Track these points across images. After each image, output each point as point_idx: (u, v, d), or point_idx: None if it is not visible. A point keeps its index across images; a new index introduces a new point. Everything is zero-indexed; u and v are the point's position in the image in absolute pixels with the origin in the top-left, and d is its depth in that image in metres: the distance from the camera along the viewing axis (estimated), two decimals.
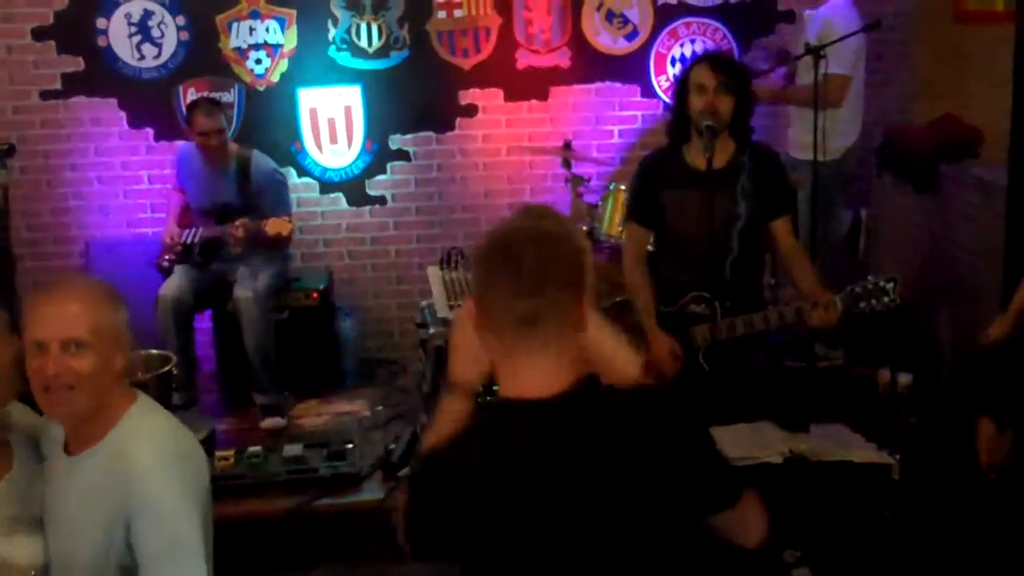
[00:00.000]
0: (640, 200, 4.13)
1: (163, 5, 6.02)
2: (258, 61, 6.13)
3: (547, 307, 1.86)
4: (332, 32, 6.14)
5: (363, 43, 6.18)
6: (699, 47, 6.25)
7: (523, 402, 1.88)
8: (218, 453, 4.52)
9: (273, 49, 6.13)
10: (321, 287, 5.77)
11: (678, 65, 6.26)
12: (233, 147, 5.46)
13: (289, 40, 6.13)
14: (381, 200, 6.35)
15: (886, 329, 4.85)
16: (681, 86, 3.91)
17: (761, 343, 4.00)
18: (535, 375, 1.88)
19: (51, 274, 6.11)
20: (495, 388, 1.95)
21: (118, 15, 6.00)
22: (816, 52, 5.04)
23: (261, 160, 5.45)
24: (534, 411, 1.87)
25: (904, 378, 4.78)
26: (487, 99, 6.30)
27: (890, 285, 3.55)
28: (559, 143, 5.95)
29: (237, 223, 5.18)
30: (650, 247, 4.19)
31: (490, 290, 1.88)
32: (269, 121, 6.15)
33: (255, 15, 6.09)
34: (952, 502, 3.68)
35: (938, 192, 5.55)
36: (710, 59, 3.91)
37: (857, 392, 4.99)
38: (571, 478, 1.82)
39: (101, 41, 6.01)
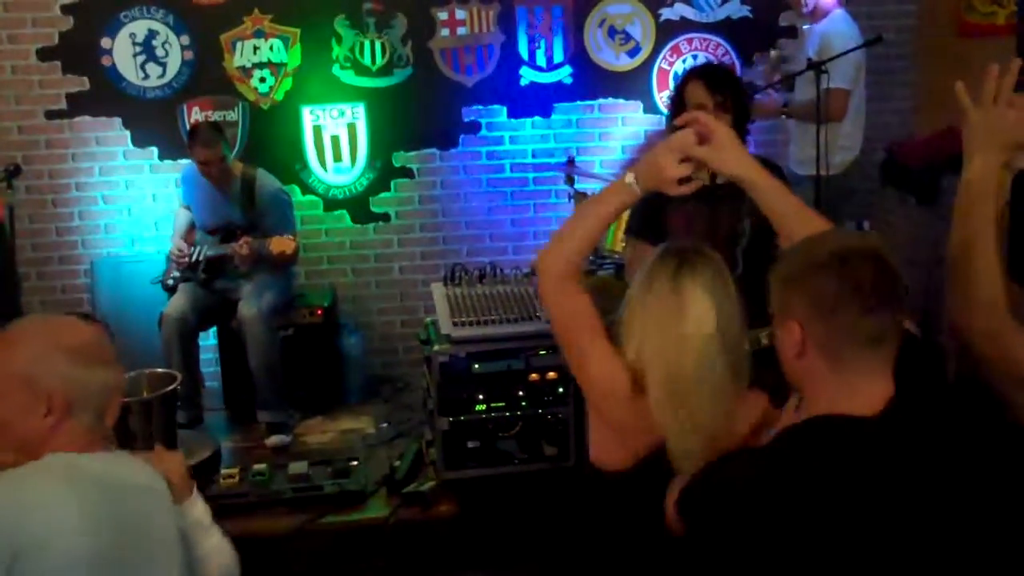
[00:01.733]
0: (643, 215, 4.12)
1: (167, 24, 6.04)
2: (262, 79, 6.16)
3: (891, 325, 1.86)
4: (336, 50, 6.16)
5: (367, 61, 6.20)
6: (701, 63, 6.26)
7: (860, 420, 1.84)
8: (223, 471, 4.53)
9: (277, 68, 6.16)
10: (325, 304, 5.77)
11: None
12: (238, 166, 5.47)
13: (293, 58, 6.15)
14: (385, 217, 6.36)
15: None
16: (677, 102, 3.89)
17: (768, 360, 3.98)
18: (872, 392, 1.86)
19: (56, 293, 6.13)
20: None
21: (122, 35, 6.02)
22: (818, 67, 5.07)
23: (266, 179, 5.46)
24: (875, 428, 1.84)
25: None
26: (490, 116, 6.32)
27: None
28: (562, 159, 5.97)
29: (241, 241, 5.19)
30: None
31: (836, 308, 1.84)
32: (273, 139, 6.17)
33: (259, 34, 6.12)
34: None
35: (941, 205, 5.55)
36: (704, 76, 3.88)
37: None
38: (921, 496, 1.80)
39: (105, 61, 6.04)
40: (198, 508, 2.42)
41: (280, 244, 5.16)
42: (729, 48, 6.32)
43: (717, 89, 3.79)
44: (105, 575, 2.01)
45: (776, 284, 1.96)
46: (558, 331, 2.35)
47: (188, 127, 5.88)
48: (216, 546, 2.43)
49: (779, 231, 2.36)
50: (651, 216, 4.03)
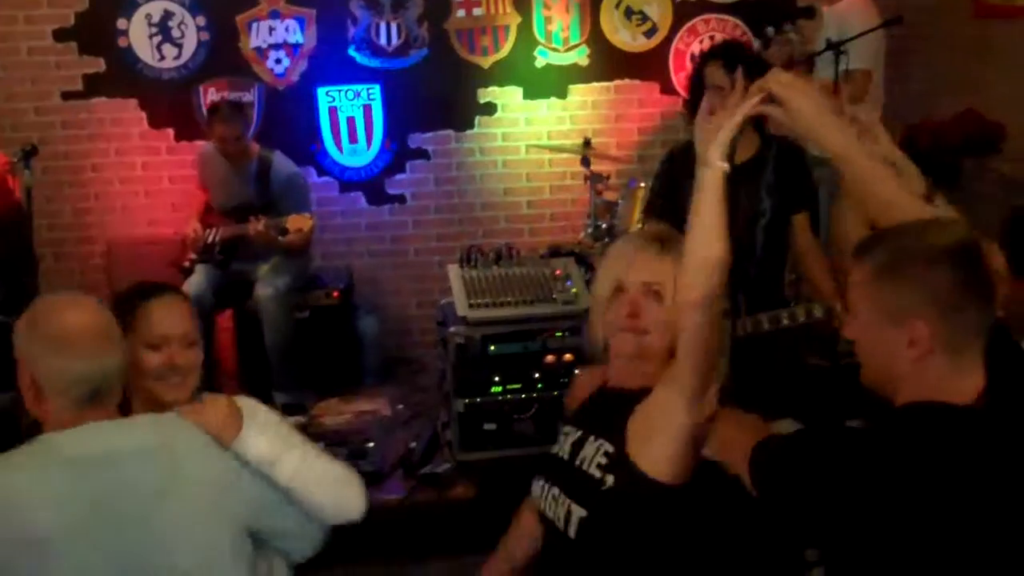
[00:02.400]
0: (661, 195, 4.12)
1: (183, 5, 6.04)
2: (278, 61, 6.15)
3: (993, 317, 1.84)
4: (351, 31, 6.15)
5: (382, 42, 6.19)
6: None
7: (968, 409, 1.82)
8: None
9: (293, 49, 6.15)
10: (342, 286, 5.77)
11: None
12: (254, 148, 5.47)
13: (309, 40, 6.14)
14: (400, 199, 6.35)
15: None
16: (696, 83, 3.88)
17: (784, 340, 3.97)
18: (974, 382, 1.83)
19: (74, 275, 6.15)
20: None
21: (138, 16, 6.03)
22: (837, 48, 5.03)
23: (282, 162, 5.46)
24: (981, 417, 1.82)
25: None
26: (506, 97, 6.31)
27: None
28: (578, 141, 5.94)
29: (258, 218, 5.18)
30: None
31: (960, 305, 1.80)
32: (289, 121, 6.17)
33: (275, 15, 6.11)
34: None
35: (960, 188, 5.51)
36: (724, 56, 3.86)
37: None
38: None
39: (122, 42, 6.04)
40: (255, 445, 2.29)
41: (297, 222, 5.16)
42: (747, 28, 6.28)
43: (735, 69, 3.76)
44: (80, 546, 2.05)
45: (881, 277, 1.86)
46: (701, 360, 2.07)
47: (206, 107, 5.88)
48: (297, 469, 2.32)
49: (868, 204, 2.17)
50: (669, 196, 4.03)
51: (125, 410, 2.35)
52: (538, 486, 2.36)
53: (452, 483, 4.46)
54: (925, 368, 1.82)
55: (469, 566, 2.52)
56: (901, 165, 2.36)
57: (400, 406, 5.39)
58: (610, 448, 2.20)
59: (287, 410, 5.23)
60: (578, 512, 2.20)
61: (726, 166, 2.03)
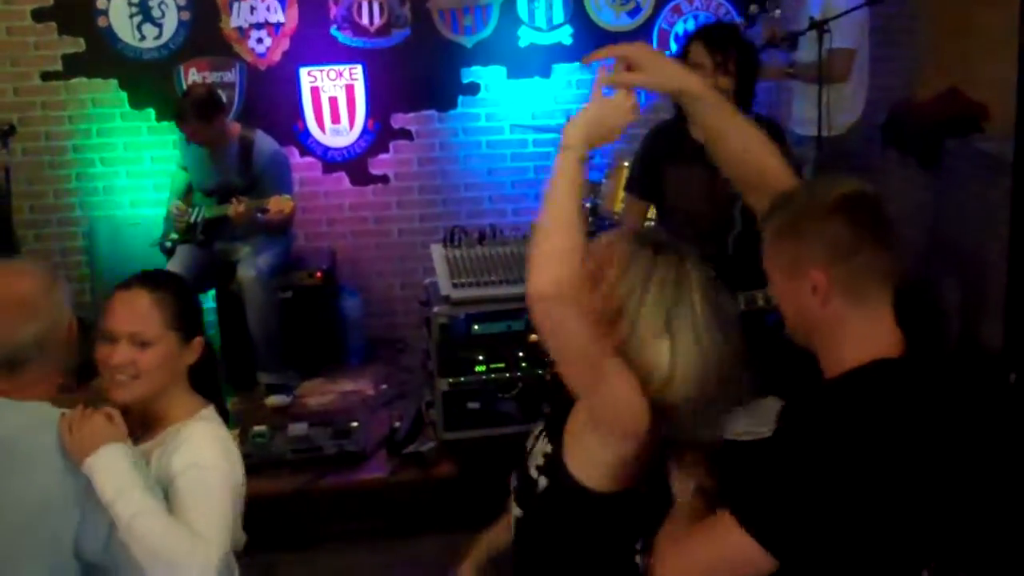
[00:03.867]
0: (642, 173, 4.12)
1: None
2: (259, 40, 6.11)
3: (896, 263, 1.87)
4: (334, 11, 6.11)
5: (365, 21, 6.15)
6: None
7: (902, 361, 1.85)
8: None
9: (274, 28, 6.11)
10: (325, 266, 5.76)
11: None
12: (235, 128, 5.44)
13: (290, 19, 6.10)
14: (384, 179, 6.33)
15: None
16: (680, 62, 3.87)
17: (764, 319, 3.98)
18: (894, 333, 1.87)
19: (54, 256, 6.11)
20: None
21: None
22: (820, 26, 5.02)
23: (263, 141, 5.43)
24: (913, 370, 1.85)
25: None
26: (490, 77, 6.28)
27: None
28: (562, 121, 5.91)
29: (239, 200, 5.16)
30: (651, 220, 4.18)
31: (856, 248, 1.83)
32: (271, 101, 6.13)
33: None
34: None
35: (943, 167, 5.53)
36: (706, 36, 3.86)
37: None
38: (962, 438, 1.83)
39: (102, 22, 5.98)
40: (102, 472, 2.10)
41: (279, 203, 5.14)
42: (730, 7, 6.27)
43: (717, 48, 3.76)
44: None
45: (780, 236, 1.91)
46: (573, 358, 1.91)
47: (182, 90, 5.83)
48: (133, 516, 2.08)
49: (721, 151, 2.16)
50: (651, 175, 4.03)
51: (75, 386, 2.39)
52: (512, 478, 2.30)
53: (436, 462, 4.48)
54: (835, 315, 1.85)
55: (454, 544, 2.52)
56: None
57: (384, 386, 5.40)
58: (548, 449, 2.13)
59: (271, 390, 5.24)
60: (515, 512, 2.19)
61: (585, 151, 1.96)
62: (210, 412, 2.38)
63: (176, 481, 2.19)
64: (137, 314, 2.28)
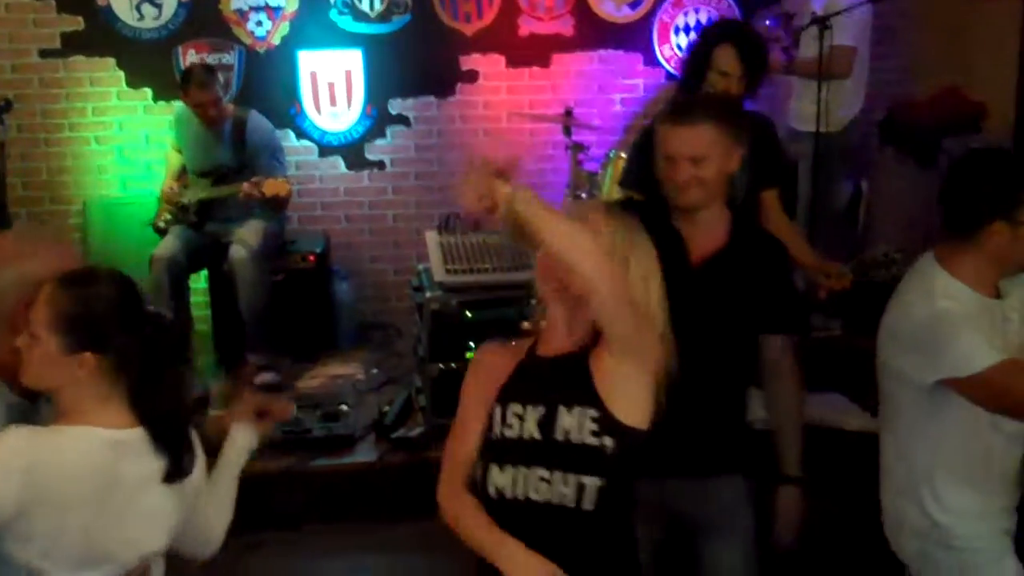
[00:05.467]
0: (638, 167, 4.09)
1: None
2: (259, 23, 6.09)
3: None
4: None
5: (365, 7, 6.13)
6: (703, 16, 6.22)
7: None
8: (212, 413, 4.52)
9: (274, 11, 6.09)
10: (318, 250, 5.75)
11: (681, 34, 6.23)
12: (230, 108, 5.44)
13: (290, 3, 6.08)
14: (380, 165, 6.32)
15: (884, 301, 4.83)
16: (699, 61, 3.78)
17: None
18: None
19: (48, 234, 6.09)
20: None
21: None
22: (822, 23, 5.01)
23: (257, 121, 5.42)
24: None
25: None
26: (488, 65, 6.27)
27: (898, 255, 3.52)
28: (560, 110, 5.91)
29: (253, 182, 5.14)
30: None
31: None
32: (269, 84, 6.11)
33: None
34: None
35: (940, 166, 5.52)
36: (737, 43, 3.72)
37: (854, 363, 4.97)
38: None
39: (101, 1, 5.96)
40: None
41: (274, 187, 5.13)
42: (732, 2, 6.26)
43: (748, 60, 3.68)
44: None
45: None
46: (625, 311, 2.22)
47: (182, 69, 5.82)
48: None
49: None
50: (644, 170, 4.00)
51: None
52: (505, 476, 2.24)
53: (425, 447, 4.46)
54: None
55: (439, 530, 2.50)
56: None
57: (375, 370, 5.38)
58: (592, 414, 2.19)
59: (261, 370, 5.22)
60: (593, 483, 2.17)
61: (520, 188, 2.11)
62: (80, 431, 2.12)
63: None
64: (37, 303, 2.14)
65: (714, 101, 2.75)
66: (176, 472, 2.23)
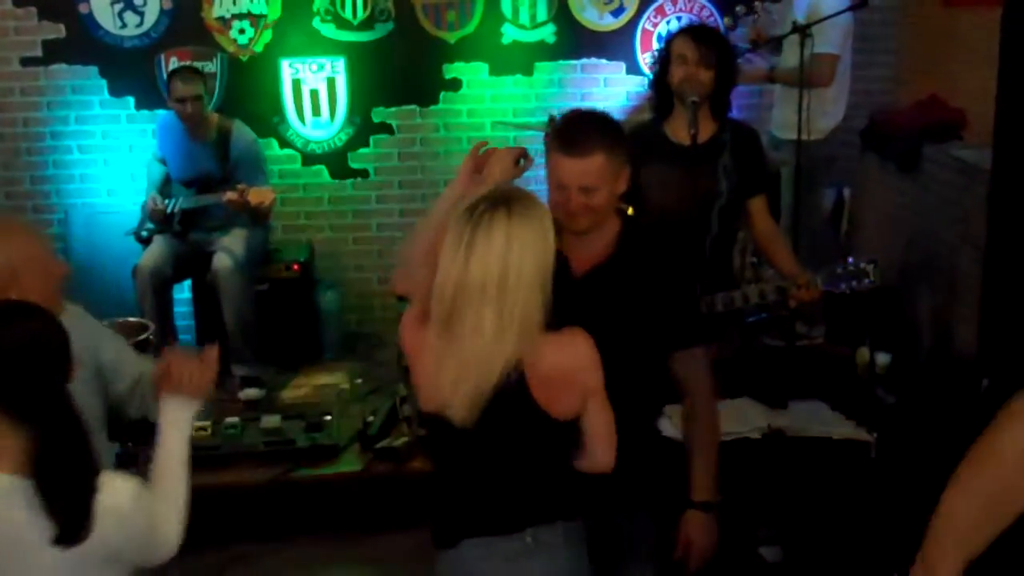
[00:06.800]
0: None
1: None
2: (241, 31, 6.08)
3: None
4: (316, 3, 6.08)
5: (347, 15, 6.13)
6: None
7: None
8: (195, 423, 4.50)
9: (257, 19, 6.08)
10: (302, 259, 5.74)
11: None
12: (214, 117, 5.43)
13: (273, 10, 6.07)
14: (363, 173, 6.31)
15: (866, 309, 4.86)
16: (663, 57, 3.89)
17: (737, 320, 3.98)
18: None
19: None
20: None
21: None
22: (803, 31, 5.02)
23: (242, 130, 5.42)
24: None
25: (883, 358, 4.78)
26: (472, 73, 6.26)
27: (870, 267, 3.52)
28: (543, 119, 5.92)
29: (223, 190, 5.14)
30: None
31: None
32: (252, 92, 6.10)
33: None
34: (927, 481, 3.68)
35: (921, 173, 5.55)
36: (692, 31, 3.90)
37: (836, 371, 5.00)
38: None
39: (83, 8, 5.95)
40: None
41: (259, 195, 5.13)
42: (714, 10, 6.28)
43: (702, 42, 3.77)
44: None
45: None
46: None
47: (167, 74, 5.81)
48: None
49: None
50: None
51: None
52: None
53: (409, 457, 4.46)
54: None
55: (424, 540, 2.50)
56: None
57: (359, 380, 5.37)
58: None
59: (245, 383, 5.21)
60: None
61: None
62: None
63: None
64: None
65: (600, 122, 2.70)
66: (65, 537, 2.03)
